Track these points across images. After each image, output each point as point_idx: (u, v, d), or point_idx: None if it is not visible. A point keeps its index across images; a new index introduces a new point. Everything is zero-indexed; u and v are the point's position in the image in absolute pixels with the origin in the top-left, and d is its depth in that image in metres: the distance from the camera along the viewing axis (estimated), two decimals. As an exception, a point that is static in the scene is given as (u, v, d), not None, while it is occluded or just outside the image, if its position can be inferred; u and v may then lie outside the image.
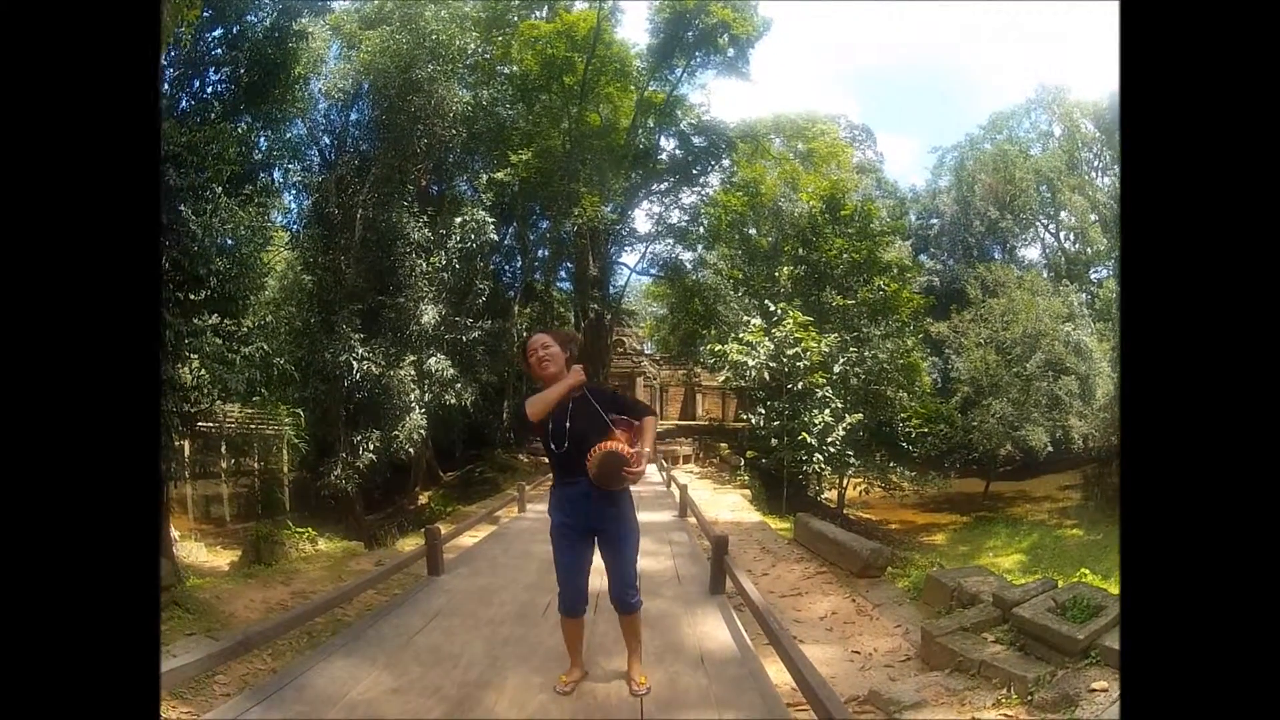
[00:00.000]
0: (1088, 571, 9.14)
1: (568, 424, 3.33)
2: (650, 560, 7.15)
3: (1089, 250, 41.53)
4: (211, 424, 15.18)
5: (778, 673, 3.91)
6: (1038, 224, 45.08)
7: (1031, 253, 46.08)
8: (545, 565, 6.91)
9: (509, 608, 5.29)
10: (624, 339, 36.90)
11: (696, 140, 28.94)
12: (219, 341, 9.25)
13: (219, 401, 10.71)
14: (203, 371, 9.33)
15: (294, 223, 19.72)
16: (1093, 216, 40.69)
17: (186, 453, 14.59)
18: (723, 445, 27.42)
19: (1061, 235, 44.41)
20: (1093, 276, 41.10)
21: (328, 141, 19.57)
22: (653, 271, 33.75)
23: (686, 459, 25.90)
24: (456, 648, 4.30)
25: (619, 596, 3.55)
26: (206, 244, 8.99)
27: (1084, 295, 36.64)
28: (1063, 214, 43.17)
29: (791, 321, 20.14)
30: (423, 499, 22.27)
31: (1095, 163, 42.91)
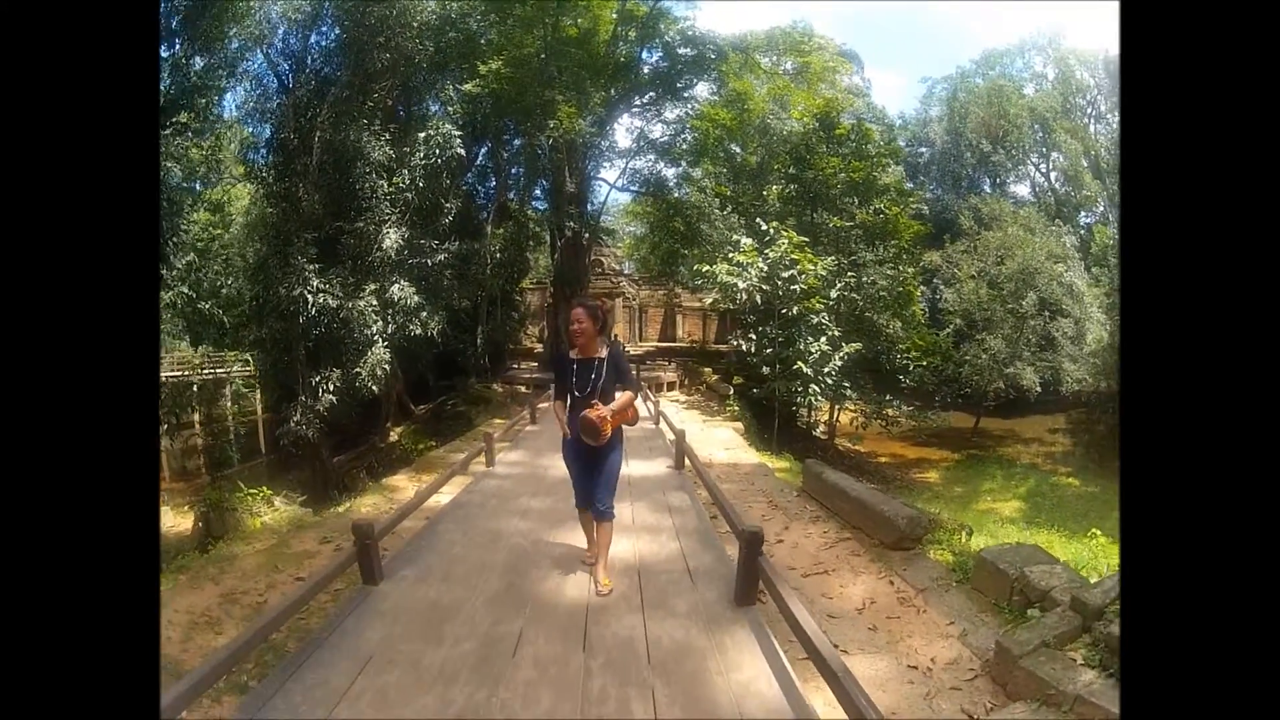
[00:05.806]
0: (1099, 532, 8.62)
1: (591, 377, 4.54)
2: (649, 542, 5.86)
3: (1079, 194, 41.76)
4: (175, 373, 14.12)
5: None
6: (1029, 161, 45.29)
7: (1021, 189, 46.41)
8: (515, 557, 5.53)
9: (466, 645, 3.89)
10: (602, 259, 35.83)
11: (683, 51, 26.74)
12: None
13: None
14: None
15: (252, 153, 18.34)
16: (1084, 161, 40.91)
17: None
18: (707, 370, 26.11)
19: (1052, 176, 44.67)
20: (1082, 220, 41.64)
21: (286, 67, 17.87)
22: (633, 188, 31.92)
23: (670, 385, 24.59)
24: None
25: (593, 506, 4.71)
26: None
27: (1074, 238, 36.89)
28: (1055, 155, 43.45)
29: (787, 242, 18.78)
30: (393, 435, 21.49)
31: (1089, 110, 43.22)
